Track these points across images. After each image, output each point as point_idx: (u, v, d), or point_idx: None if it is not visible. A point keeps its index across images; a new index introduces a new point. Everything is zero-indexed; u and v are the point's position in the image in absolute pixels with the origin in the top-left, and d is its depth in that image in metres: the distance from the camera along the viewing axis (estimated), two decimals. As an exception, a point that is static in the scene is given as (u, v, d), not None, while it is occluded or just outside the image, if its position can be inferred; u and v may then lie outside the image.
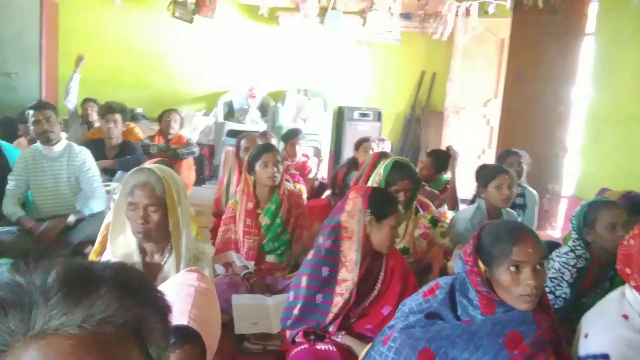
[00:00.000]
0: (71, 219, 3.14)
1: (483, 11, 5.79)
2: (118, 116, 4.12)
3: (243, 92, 6.41)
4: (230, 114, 6.50)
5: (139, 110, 6.15)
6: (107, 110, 4.14)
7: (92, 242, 2.49)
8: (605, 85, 4.39)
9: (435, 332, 1.48)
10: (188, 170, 4.88)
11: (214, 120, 6.37)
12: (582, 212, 2.33)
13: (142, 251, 1.92)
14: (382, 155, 3.44)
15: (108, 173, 3.93)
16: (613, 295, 1.67)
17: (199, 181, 5.85)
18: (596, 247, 2.28)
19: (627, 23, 4.07)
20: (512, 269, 1.44)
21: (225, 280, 2.71)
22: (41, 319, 0.57)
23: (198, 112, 6.47)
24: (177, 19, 6.06)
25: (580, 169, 4.64)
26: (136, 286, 0.64)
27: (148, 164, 2.13)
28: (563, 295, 2.26)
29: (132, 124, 5.15)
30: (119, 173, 3.88)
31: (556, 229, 4.83)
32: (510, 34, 4.99)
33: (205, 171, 6.24)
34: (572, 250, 2.33)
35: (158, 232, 1.88)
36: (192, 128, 6.19)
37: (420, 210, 2.98)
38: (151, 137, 4.86)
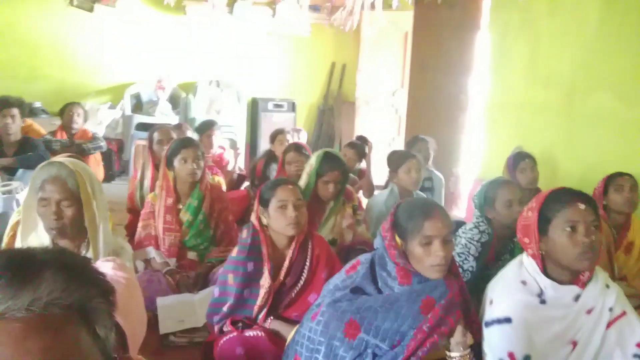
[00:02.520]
0: None
1: (387, 5, 6.02)
2: (16, 110, 3.83)
3: (151, 83, 6.18)
4: (138, 106, 6.25)
5: (38, 104, 5.75)
6: (4, 104, 3.83)
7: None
8: (499, 76, 4.74)
9: (360, 304, 1.58)
10: (96, 166, 4.65)
11: (121, 114, 6.10)
12: (483, 191, 2.55)
13: (56, 249, 1.83)
14: (293, 146, 3.51)
15: (7, 172, 3.65)
16: (512, 263, 1.83)
17: (108, 177, 5.59)
18: (496, 222, 2.49)
19: (516, 18, 4.43)
20: (424, 241, 1.57)
21: (145, 277, 2.63)
22: None
23: (103, 105, 6.17)
24: (76, 8, 5.72)
25: (480, 152, 5.00)
26: (80, 268, 0.65)
27: (57, 158, 2.03)
28: (470, 269, 2.45)
29: (29, 121, 4.81)
30: (20, 171, 3.63)
31: (461, 209, 5.17)
32: (412, 27, 5.23)
33: (115, 167, 5.97)
34: (476, 227, 2.52)
35: (73, 227, 1.80)
36: (97, 122, 5.89)
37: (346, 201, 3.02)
38: (53, 133, 4.58)
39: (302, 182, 2.84)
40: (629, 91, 3.25)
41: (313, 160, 2.86)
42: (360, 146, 4.27)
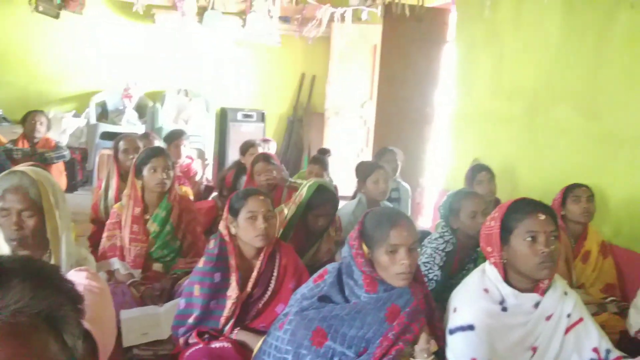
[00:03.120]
0: None
1: (357, 17, 6.11)
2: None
3: (117, 91, 6.10)
4: (103, 115, 6.15)
5: (-1, 111, 5.61)
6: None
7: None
8: (464, 88, 4.86)
9: (327, 313, 1.60)
10: (58, 175, 4.56)
11: (85, 122, 5.99)
12: (448, 202, 2.60)
13: (17, 260, 1.78)
14: (262, 157, 3.49)
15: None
16: (475, 272, 1.87)
17: (71, 187, 5.47)
18: (461, 233, 2.54)
19: (481, 32, 4.55)
20: (390, 249, 1.60)
21: (109, 289, 2.58)
22: None
23: (67, 113, 6.04)
24: (41, 14, 5.60)
25: (447, 163, 5.10)
26: (47, 276, 0.64)
27: (19, 167, 1.98)
28: (435, 278, 2.48)
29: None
30: (-22, 181, 3.51)
31: (427, 219, 5.25)
32: (381, 40, 5.30)
33: (78, 176, 5.84)
34: (441, 236, 2.56)
35: (34, 238, 1.76)
36: (60, 130, 5.77)
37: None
38: (14, 141, 4.47)
39: (290, 212, 2.78)
40: (588, 105, 3.38)
41: (304, 191, 2.77)
42: (324, 159, 4.30)
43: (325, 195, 2.75)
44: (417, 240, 1.66)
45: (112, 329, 1.30)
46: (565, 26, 3.59)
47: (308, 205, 2.72)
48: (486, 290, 1.76)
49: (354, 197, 3.66)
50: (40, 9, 5.55)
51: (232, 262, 2.09)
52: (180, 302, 2.15)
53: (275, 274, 2.16)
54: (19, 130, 4.71)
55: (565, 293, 1.78)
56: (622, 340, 2.30)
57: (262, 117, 6.67)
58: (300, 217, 2.73)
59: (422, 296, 1.67)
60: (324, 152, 4.52)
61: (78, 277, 1.30)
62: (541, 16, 3.80)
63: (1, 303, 0.59)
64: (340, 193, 4.25)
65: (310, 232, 2.79)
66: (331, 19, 6.11)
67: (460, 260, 2.56)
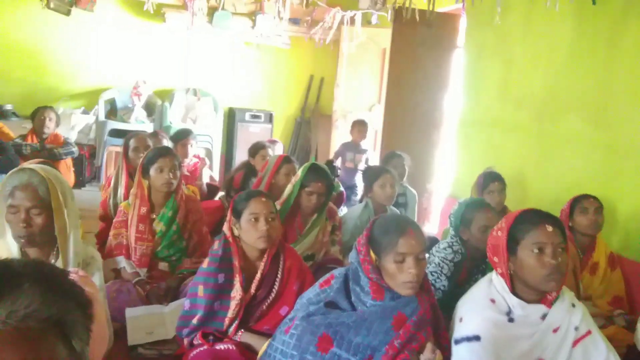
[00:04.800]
0: None
1: (366, 21, 6.11)
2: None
3: (127, 89, 6.12)
4: (112, 112, 6.17)
5: (9, 107, 5.64)
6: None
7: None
8: (473, 94, 4.84)
9: (333, 319, 1.59)
10: (66, 171, 4.57)
11: (94, 119, 6.02)
12: (460, 212, 2.55)
13: (25, 257, 1.80)
14: (286, 160, 3.48)
15: (-26, 175, 3.56)
16: (482, 281, 1.85)
17: (79, 183, 5.50)
18: (470, 244, 2.51)
19: (491, 38, 4.54)
20: (398, 258, 1.59)
21: (115, 287, 2.58)
22: None
23: (76, 110, 6.07)
24: (52, 11, 5.64)
25: (454, 169, 5.08)
26: (58, 281, 0.64)
27: (29, 164, 1.99)
28: (442, 288, 2.46)
29: (0, 123, 4.71)
30: (-13, 175, 3.54)
31: (433, 225, 5.24)
32: (390, 43, 5.29)
33: (86, 173, 5.87)
34: (450, 246, 2.53)
35: (43, 236, 1.77)
36: (69, 127, 5.80)
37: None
38: (23, 137, 4.49)
39: (286, 192, 2.85)
40: (596, 115, 3.36)
41: (300, 172, 2.89)
42: (332, 168, 4.26)
43: (318, 173, 2.86)
44: (425, 249, 1.64)
45: (104, 335, 1.29)
46: (575, 34, 3.57)
47: (302, 184, 2.83)
48: (493, 301, 1.74)
49: (361, 201, 3.66)
50: (52, 5, 5.58)
51: (236, 263, 2.10)
52: (185, 303, 2.16)
53: (279, 275, 2.16)
54: (28, 125, 4.73)
55: (573, 305, 1.77)
56: (630, 354, 2.28)
57: (270, 118, 6.67)
58: (295, 197, 2.85)
59: (428, 305, 1.67)
60: (332, 164, 4.48)
61: None
62: (551, 24, 3.78)
63: (11, 308, 0.59)
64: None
65: (304, 213, 2.90)
66: (341, 22, 6.10)
67: (469, 270, 2.54)
